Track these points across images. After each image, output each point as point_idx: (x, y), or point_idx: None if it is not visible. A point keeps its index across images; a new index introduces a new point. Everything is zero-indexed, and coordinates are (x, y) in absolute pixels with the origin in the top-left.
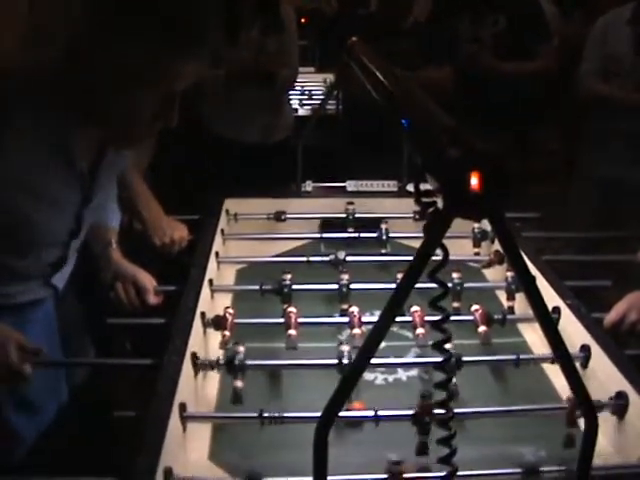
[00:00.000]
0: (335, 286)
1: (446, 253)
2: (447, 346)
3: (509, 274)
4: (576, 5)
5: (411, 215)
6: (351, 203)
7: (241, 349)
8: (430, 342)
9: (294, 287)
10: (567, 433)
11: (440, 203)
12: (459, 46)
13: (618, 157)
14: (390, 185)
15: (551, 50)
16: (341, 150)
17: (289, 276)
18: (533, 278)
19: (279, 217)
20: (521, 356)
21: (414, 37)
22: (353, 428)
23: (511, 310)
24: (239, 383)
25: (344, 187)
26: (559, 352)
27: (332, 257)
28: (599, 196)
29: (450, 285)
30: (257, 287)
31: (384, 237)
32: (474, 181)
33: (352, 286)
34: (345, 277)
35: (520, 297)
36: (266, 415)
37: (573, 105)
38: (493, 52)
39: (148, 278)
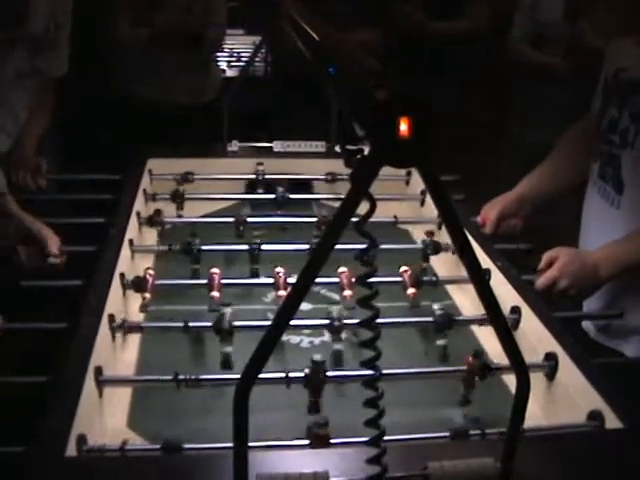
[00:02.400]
0: (245, 247)
1: (373, 204)
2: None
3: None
4: None
5: (344, 177)
6: (261, 164)
7: (228, 310)
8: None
9: (204, 248)
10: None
11: (367, 150)
12: (391, 6)
13: (547, 123)
14: (318, 146)
15: (482, 11)
16: (269, 111)
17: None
18: (466, 237)
19: (188, 179)
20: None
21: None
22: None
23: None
24: (229, 348)
25: (271, 147)
26: (492, 314)
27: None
28: (527, 163)
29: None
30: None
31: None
32: (403, 126)
33: (264, 247)
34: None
35: (450, 258)
36: (181, 378)
37: (503, 71)
38: (425, 12)
39: (50, 236)
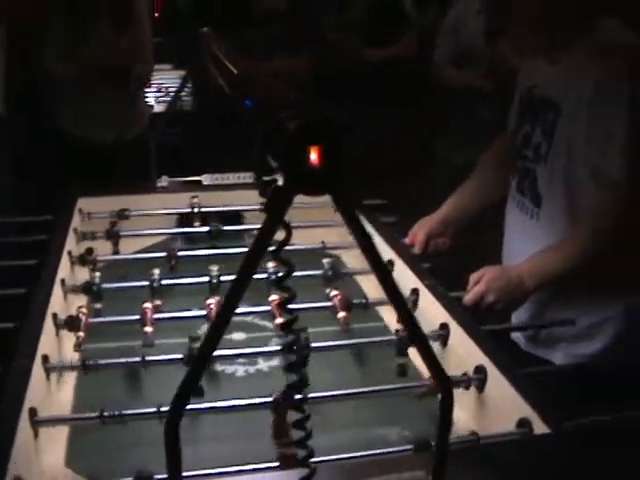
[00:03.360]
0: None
1: (289, 231)
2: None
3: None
4: None
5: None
6: (195, 197)
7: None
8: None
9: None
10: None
11: (281, 180)
12: (321, 34)
13: (473, 143)
14: (247, 177)
15: (412, 37)
16: (197, 144)
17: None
18: (382, 262)
19: (124, 215)
20: (381, 338)
21: (271, 26)
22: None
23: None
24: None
25: (200, 181)
26: (413, 332)
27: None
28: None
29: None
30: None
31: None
32: (313, 156)
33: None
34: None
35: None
36: (106, 414)
37: (431, 94)
38: (355, 40)
39: None
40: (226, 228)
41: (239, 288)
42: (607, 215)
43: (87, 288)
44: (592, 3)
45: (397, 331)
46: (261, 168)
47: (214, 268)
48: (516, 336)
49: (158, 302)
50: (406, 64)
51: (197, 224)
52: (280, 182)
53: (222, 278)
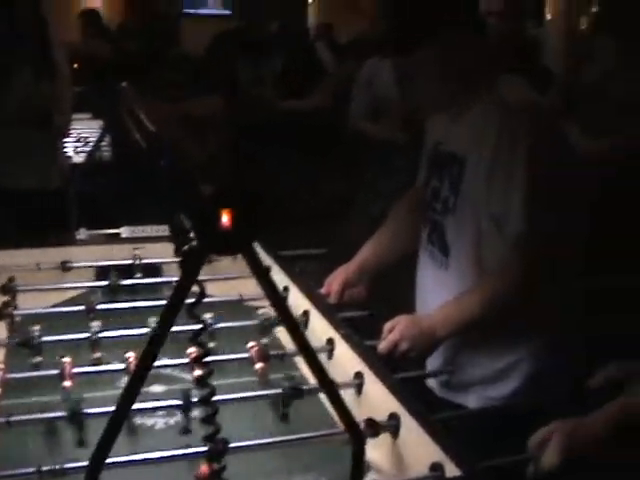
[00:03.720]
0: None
1: (202, 290)
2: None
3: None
4: (350, 49)
5: None
6: (136, 248)
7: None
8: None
9: (51, 338)
10: None
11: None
12: (238, 84)
13: (388, 193)
14: (165, 230)
15: (328, 89)
16: (117, 195)
17: (37, 327)
18: (290, 314)
19: (37, 268)
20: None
21: (183, 70)
22: None
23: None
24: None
25: (119, 234)
26: (323, 385)
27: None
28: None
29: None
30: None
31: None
32: (225, 218)
33: (112, 334)
34: (95, 324)
35: None
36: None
37: (347, 144)
38: (272, 91)
39: None
40: (144, 281)
41: (156, 343)
42: (512, 264)
43: (27, 342)
44: (491, 62)
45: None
46: (176, 229)
47: (133, 321)
48: (431, 382)
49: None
50: (321, 115)
51: (138, 275)
52: (194, 242)
53: (140, 331)
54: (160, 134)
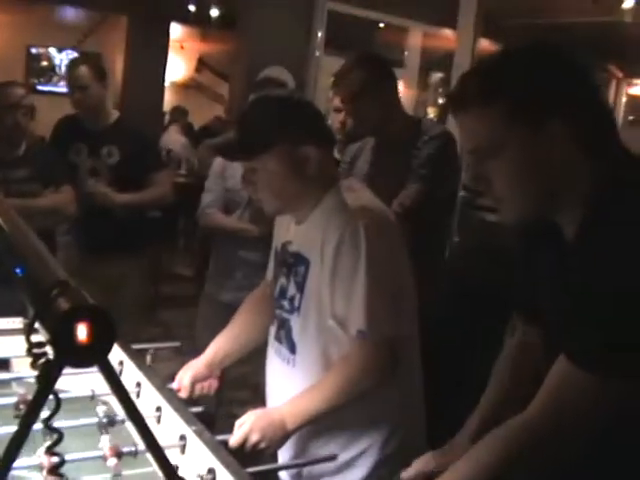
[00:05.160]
0: None
1: (58, 402)
2: None
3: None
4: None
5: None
6: None
7: None
8: None
9: None
10: None
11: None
12: (79, 176)
13: (240, 284)
14: (16, 322)
15: (166, 181)
16: None
17: None
18: (140, 416)
19: None
20: None
21: (31, 164)
22: None
23: None
24: None
25: None
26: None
27: None
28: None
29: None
30: None
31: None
32: (82, 332)
33: None
34: None
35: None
36: None
37: (200, 234)
38: (110, 183)
39: None
40: None
41: (15, 449)
42: (354, 360)
43: None
44: (331, 167)
45: None
46: (31, 342)
47: None
48: (282, 475)
49: None
50: (164, 206)
51: None
52: (50, 355)
53: None
54: (18, 238)
